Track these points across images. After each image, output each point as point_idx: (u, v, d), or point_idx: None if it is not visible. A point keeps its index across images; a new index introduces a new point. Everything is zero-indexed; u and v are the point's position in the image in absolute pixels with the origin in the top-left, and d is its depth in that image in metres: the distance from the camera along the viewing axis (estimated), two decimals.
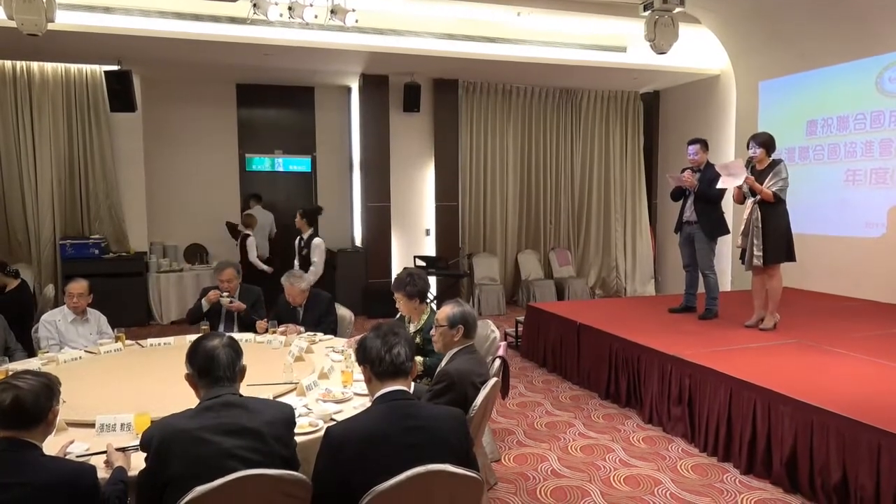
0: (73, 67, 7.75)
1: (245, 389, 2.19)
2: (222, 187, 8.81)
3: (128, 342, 4.00)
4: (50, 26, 4.94)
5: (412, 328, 3.78)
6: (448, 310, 3.04)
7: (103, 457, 2.19)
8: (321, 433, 2.08)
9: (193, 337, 3.88)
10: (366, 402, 2.49)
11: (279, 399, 2.82)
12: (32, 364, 3.42)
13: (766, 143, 5.02)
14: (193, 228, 8.70)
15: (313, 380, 3.08)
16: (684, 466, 3.81)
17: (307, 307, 4.57)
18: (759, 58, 7.96)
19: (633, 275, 9.89)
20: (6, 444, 1.86)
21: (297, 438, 2.17)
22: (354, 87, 9.01)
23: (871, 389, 3.66)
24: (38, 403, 1.91)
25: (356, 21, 6.31)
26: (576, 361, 5.51)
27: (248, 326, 4.45)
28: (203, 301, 4.55)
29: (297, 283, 4.50)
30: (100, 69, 7.65)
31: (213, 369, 2.05)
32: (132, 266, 7.82)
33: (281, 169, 9.29)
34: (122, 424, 2.48)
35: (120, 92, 7.37)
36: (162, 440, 1.89)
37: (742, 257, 5.16)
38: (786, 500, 3.36)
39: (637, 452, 4.02)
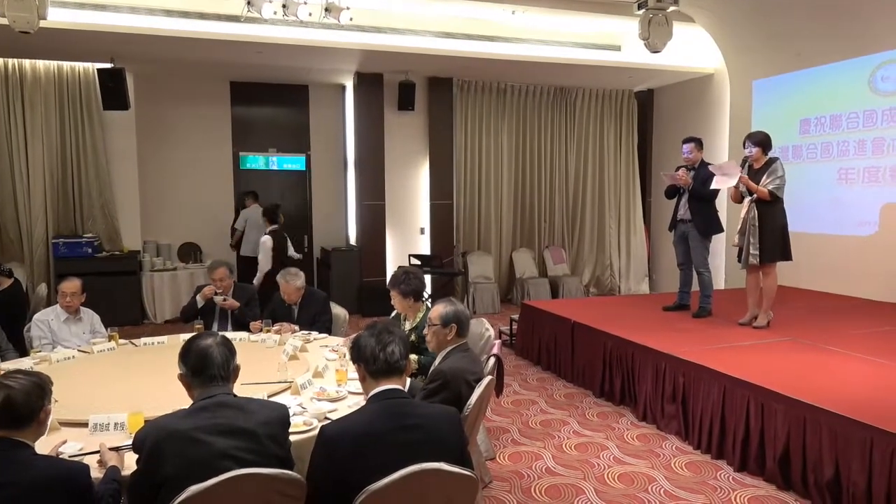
0: (66, 65, 7.70)
1: (239, 388, 2.18)
2: (216, 185, 8.79)
3: (121, 341, 3.98)
4: (42, 23, 4.91)
5: (407, 326, 3.78)
6: (441, 308, 3.04)
7: (97, 456, 2.18)
8: (316, 432, 2.07)
9: (187, 336, 3.89)
10: (360, 401, 2.48)
11: (274, 398, 2.84)
12: (25, 363, 3.40)
13: (762, 141, 5.04)
14: (187, 227, 8.67)
15: (308, 378, 3.08)
16: (678, 464, 3.82)
17: (302, 305, 4.56)
18: (753, 57, 7.98)
19: (627, 273, 9.92)
20: None
21: (292, 437, 2.16)
22: (349, 85, 8.99)
23: (863, 387, 3.68)
24: (29, 403, 1.90)
25: (350, 19, 6.29)
26: (570, 359, 5.52)
27: (242, 325, 4.44)
28: (198, 297, 4.54)
29: (293, 281, 4.49)
30: (93, 67, 7.61)
31: (206, 368, 2.04)
32: (125, 265, 7.79)
33: (275, 167, 9.26)
34: (115, 424, 2.47)
35: (113, 90, 7.34)
36: (155, 441, 1.87)
37: (739, 256, 5.18)
38: (779, 497, 3.38)
39: (631, 450, 4.04)
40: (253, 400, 2.15)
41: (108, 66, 7.32)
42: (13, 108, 7.51)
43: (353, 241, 9.15)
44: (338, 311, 4.79)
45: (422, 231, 9.12)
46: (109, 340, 3.95)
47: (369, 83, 8.51)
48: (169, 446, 1.86)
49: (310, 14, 6.13)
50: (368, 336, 2.15)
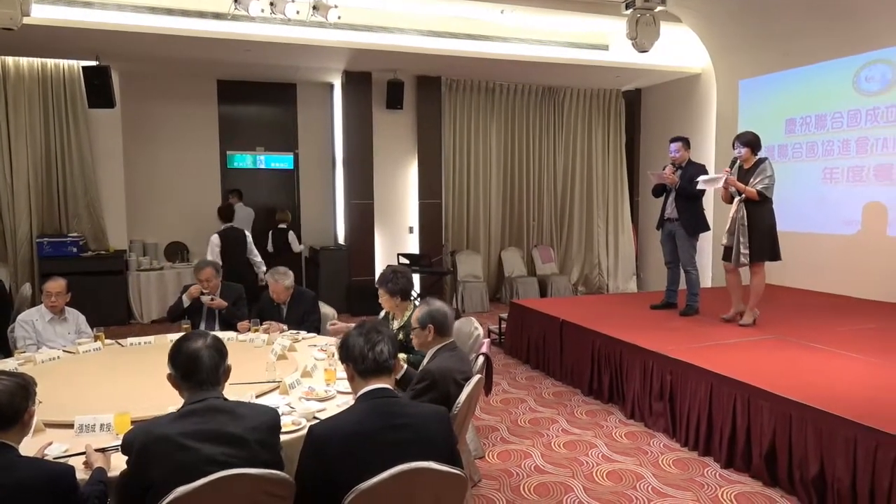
0: (50, 62, 7.62)
1: (227, 388, 2.16)
2: (203, 184, 8.72)
3: (107, 341, 3.94)
4: (26, 20, 4.86)
5: (395, 325, 3.78)
6: (417, 311, 3.06)
7: (83, 458, 2.16)
8: (304, 431, 2.06)
9: (174, 336, 3.84)
10: (349, 400, 2.48)
11: (262, 397, 2.83)
12: (9, 364, 3.36)
13: (751, 142, 5.08)
14: (174, 226, 8.61)
15: (296, 378, 3.07)
16: (666, 461, 3.85)
17: (291, 305, 4.54)
18: (739, 57, 8.05)
19: (615, 272, 9.96)
20: None
21: (281, 437, 2.15)
22: (337, 83, 8.96)
23: (848, 384, 3.72)
24: (13, 404, 1.88)
25: (338, 17, 6.28)
26: (559, 358, 5.54)
27: (230, 324, 4.42)
28: (184, 296, 4.51)
29: (282, 280, 4.47)
30: (77, 64, 7.53)
31: (195, 372, 2.00)
32: (111, 264, 7.72)
33: (263, 166, 9.21)
34: (101, 425, 2.44)
35: (98, 87, 7.27)
36: (143, 445, 1.86)
37: (727, 256, 5.20)
38: (765, 494, 3.41)
39: (619, 448, 4.06)
40: (243, 404, 2.12)
41: (93, 63, 7.25)
42: None
43: (341, 240, 9.13)
44: (326, 310, 4.78)
45: (410, 230, 9.11)
46: (95, 341, 3.91)
47: (357, 82, 8.48)
48: (156, 451, 1.84)
49: (297, 12, 6.11)
50: (357, 335, 2.14)
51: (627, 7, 6.07)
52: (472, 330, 3.91)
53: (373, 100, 8.58)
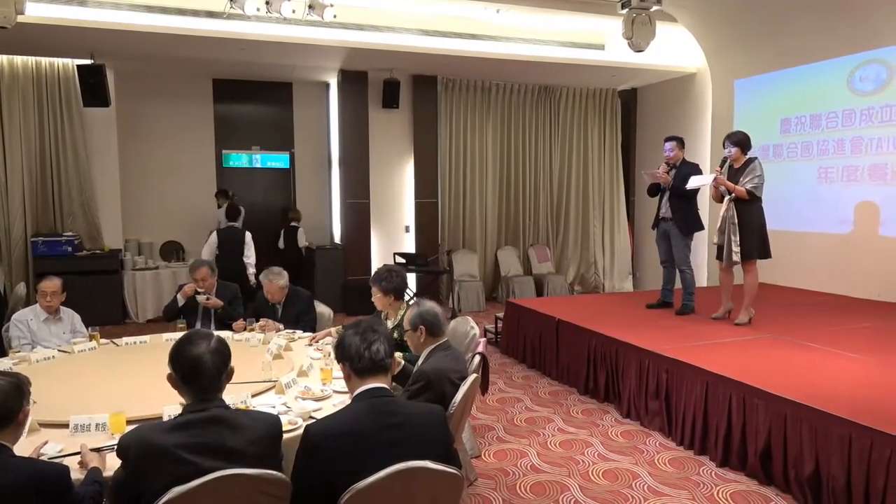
0: (45, 61, 7.59)
1: (225, 388, 2.15)
2: (199, 184, 8.70)
3: (102, 341, 3.94)
4: (20, 18, 4.83)
5: (389, 324, 3.77)
6: (407, 313, 3.06)
7: (78, 458, 2.15)
8: (300, 431, 2.06)
9: (169, 336, 3.86)
10: (345, 400, 2.48)
11: (258, 397, 2.82)
12: (4, 364, 3.35)
13: (741, 141, 5.12)
14: (169, 225, 8.59)
15: (292, 377, 3.06)
16: (661, 460, 3.86)
17: (286, 304, 4.54)
18: (735, 56, 8.07)
19: (611, 271, 9.98)
20: None
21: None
22: (333, 82, 8.95)
23: (842, 383, 3.74)
24: (6, 403, 1.87)
25: (334, 16, 6.27)
26: (555, 357, 5.54)
27: (225, 324, 4.40)
28: (178, 295, 4.50)
29: (276, 280, 4.45)
30: (72, 63, 7.50)
31: (197, 379, 1.94)
32: (107, 263, 7.69)
33: (259, 165, 9.20)
34: (96, 424, 2.44)
35: (93, 86, 7.24)
36: (139, 455, 1.82)
37: (719, 254, 5.25)
38: (760, 492, 3.42)
39: (615, 447, 4.06)
40: (243, 413, 2.06)
41: (88, 62, 7.22)
42: None
43: (337, 239, 9.12)
44: (322, 309, 4.78)
45: (407, 229, 9.10)
46: (90, 340, 3.90)
47: (353, 81, 8.48)
48: (152, 464, 1.80)
49: (293, 11, 6.10)
50: (353, 334, 2.13)
51: (623, 6, 6.07)
52: (469, 329, 3.91)
53: (369, 99, 8.57)
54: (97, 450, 2.17)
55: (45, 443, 2.27)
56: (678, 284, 5.87)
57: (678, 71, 8.88)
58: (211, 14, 6.66)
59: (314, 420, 2.33)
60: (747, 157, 5.12)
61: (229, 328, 4.28)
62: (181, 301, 4.47)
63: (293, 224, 8.52)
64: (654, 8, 6.07)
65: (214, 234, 6.66)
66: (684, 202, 5.61)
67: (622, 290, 9.67)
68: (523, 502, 3.37)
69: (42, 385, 2.76)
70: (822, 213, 7.08)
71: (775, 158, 7.58)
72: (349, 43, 7.27)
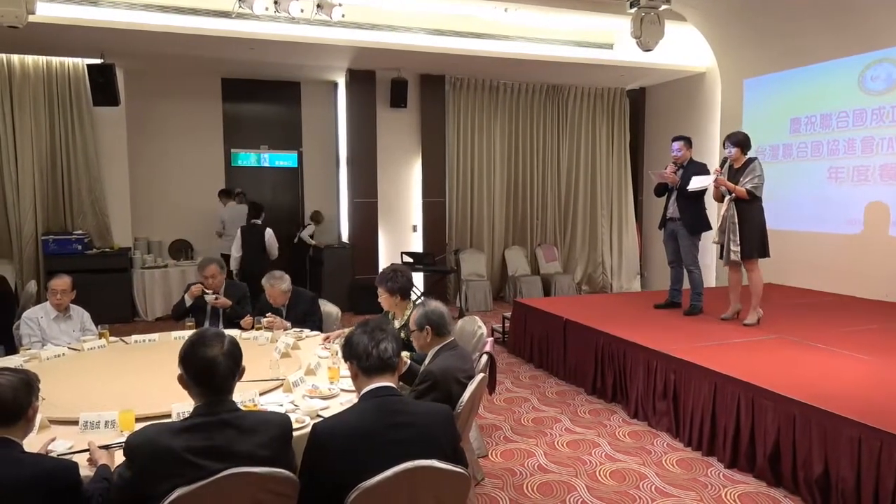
0: (55, 60, 7.64)
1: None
2: (207, 182, 8.73)
3: (112, 339, 3.96)
4: (31, 18, 4.86)
5: (396, 324, 3.77)
6: (413, 313, 3.07)
7: (87, 454, 2.16)
8: (308, 429, 2.06)
9: (179, 334, 3.88)
10: (353, 399, 2.48)
11: (265, 395, 2.83)
12: (14, 361, 3.37)
13: (741, 142, 5.16)
14: (178, 224, 8.63)
15: (300, 376, 3.07)
16: (669, 461, 3.84)
17: (290, 307, 4.47)
18: (744, 55, 8.02)
19: (619, 271, 9.95)
20: None
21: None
22: (341, 82, 8.96)
23: (851, 384, 3.71)
24: (17, 399, 1.88)
25: (342, 16, 6.29)
26: (562, 357, 5.53)
27: (234, 323, 4.41)
28: (186, 296, 4.51)
29: (278, 285, 4.38)
30: (82, 62, 7.55)
31: (210, 382, 1.92)
32: (116, 262, 7.74)
33: (267, 164, 9.23)
34: (106, 422, 2.45)
35: (103, 85, 7.28)
36: (146, 456, 1.81)
37: (720, 253, 5.28)
38: (769, 494, 3.40)
39: (623, 447, 4.05)
40: (253, 415, 2.04)
41: (97, 61, 7.27)
42: (2, 105, 7.45)
43: (345, 238, 9.14)
44: (330, 308, 4.77)
45: (414, 229, 9.11)
46: (100, 338, 3.92)
47: (361, 80, 8.49)
48: (162, 467, 1.79)
49: (301, 10, 6.12)
50: (361, 333, 2.14)
51: (632, 6, 6.05)
52: (476, 329, 3.91)
53: (377, 98, 8.58)
54: (106, 447, 2.18)
55: (54, 439, 2.28)
56: (686, 285, 5.84)
57: (687, 70, 8.84)
58: (220, 14, 6.69)
59: (321, 418, 2.34)
60: (747, 157, 5.15)
61: (238, 327, 4.29)
62: (189, 302, 4.48)
63: (309, 223, 8.87)
64: (663, 7, 6.05)
65: (239, 231, 7.11)
66: (692, 202, 5.59)
67: (630, 290, 9.64)
68: (530, 502, 3.36)
69: (52, 382, 2.78)
70: (832, 214, 7.03)
71: (785, 158, 7.54)
72: (357, 42, 7.28)
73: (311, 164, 9.35)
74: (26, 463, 1.85)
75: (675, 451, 3.98)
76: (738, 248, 5.05)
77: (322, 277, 8.45)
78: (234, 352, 2.00)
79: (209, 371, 1.92)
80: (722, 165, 5.25)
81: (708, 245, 5.56)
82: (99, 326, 4.10)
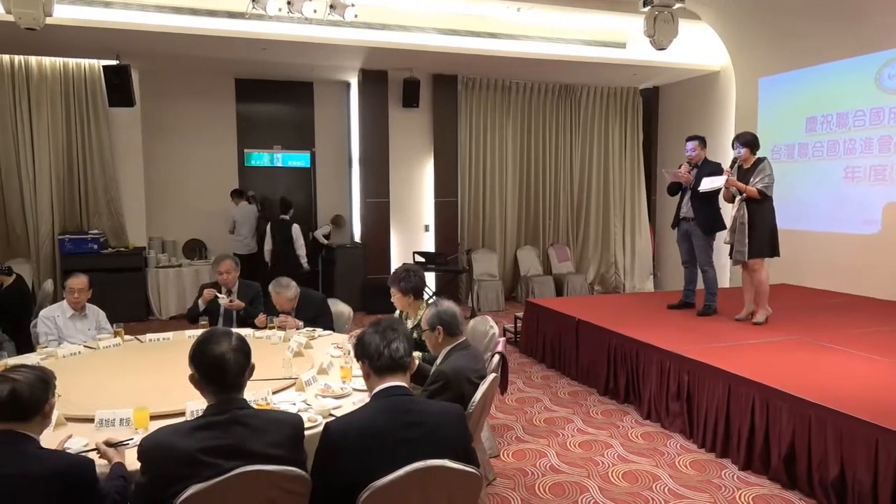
0: (72, 62, 7.73)
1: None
2: (221, 182, 8.78)
3: (127, 337, 4.00)
4: (48, 20, 4.91)
5: (409, 324, 3.78)
6: (426, 313, 3.06)
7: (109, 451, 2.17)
8: (320, 429, 2.07)
9: (193, 332, 3.90)
10: (365, 398, 2.49)
11: (278, 394, 2.84)
12: (31, 359, 3.41)
13: (750, 142, 5.15)
14: (192, 224, 8.69)
15: (312, 375, 3.08)
16: (682, 462, 3.82)
17: (298, 309, 4.44)
18: (759, 54, 7.95)
19: (631, 271, 9.90)
20: (3, 437, 1.86)
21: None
22: (353, 82, 8.99)
23: (867, 385, 3.67)
24: (34, 395, 1.91)
25: (355, 16, 6.30)
26: (574, 357, 5.52)
27: (247, 322, 4.43)
28: (199, 301, 4.54)
29: (284, 293, 4.35)
30: (98, 64, 7.63)
31: (220, 379, 1.93)
32: (131, 261, 7.82)
33: (280, 164, 9.27)
34: (120, 419, 2.48)
35: (118, 86, 7.35)
36: (161, 460, 1.82)
37: (731, 253, 5.26)
38: (784, 496, 3.37)
39: (635, 448, 4.03)
40: (264, 415, 2.05)
41: (113, 62, 7.34)
42: (19, 105, 7.54)
43: (357, 238, 9.16)
44: (342, 307, 4.78)
45: (426, 228, 9.12)
46: (115, 336, 3.96)
47: (374, 80, 8.51)
48: (177, 470, 1.80)
49: (314, 11, 6.14)
50: (373, 333, 2.14)
51: (645, 4, 6.01)
52: (488, 329, 3.91)
53: (389, 98, 8.60)
54: (113, 445, 2.18)
55: (70, 436, 2.31)
56: (700, 285, 5.81)
57: (701, 69, 8.78)
58: (233, 14, 6.74)
59: (334, 417, 2.35)
60: (756, 157, 5.13)
61: (251, 326, 4.30)
62: (202, 306, 4.50)
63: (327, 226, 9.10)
64: (677, 5, 6.00)
65: (269, 225, 7.77)
66: (706, 202, 5.55)
67: (643, 291, 9.59)
68: (542, 503, 3.36)
69: (68, 380, 2.81)
70: (849, 214, 6.95)
71: (800, 158, 7.46)
72: (370, 42, 7.30)
73: (323, 164, 9.38)
74: (44, 458, 1.87)
75: (689, 453, 3.95)
76: (746, 249, 5.03)
77: (334, 277, 8.48)
78: (244, 348, 2.02)
79: (219, 368, 1.93)
80: (732, 166, 5.23)
81: (722, 245, 5.53)
82: (114, 325, 4.14)
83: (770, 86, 7.93)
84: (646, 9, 6.03)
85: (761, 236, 5.04)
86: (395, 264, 8.48)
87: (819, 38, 7.10)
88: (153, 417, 2.46)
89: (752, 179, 5.01)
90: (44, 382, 1.97)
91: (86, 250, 7.54)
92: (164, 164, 8.56)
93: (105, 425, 2.46)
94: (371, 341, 2.12)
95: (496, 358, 3.22)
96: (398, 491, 1.84)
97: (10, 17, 4.84)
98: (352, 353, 2.68)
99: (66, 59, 7.69)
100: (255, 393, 2.58)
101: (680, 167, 5.68)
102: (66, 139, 7.76)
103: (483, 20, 7.83)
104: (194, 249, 8.67)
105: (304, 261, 7.71)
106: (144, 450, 1.85)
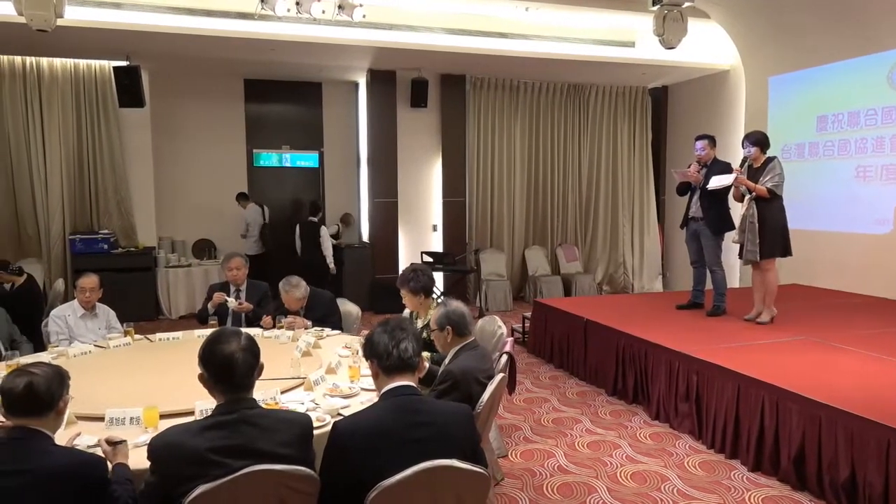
0: (82, 63, 7.78)
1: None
2: (230, 182, 8.83)
3: (136, 337, 4.03)
4: (59, 22, 4.95)
5: (420, 324, 3.78)
6: (434, 313, 3.07)
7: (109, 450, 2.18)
8: (328, 428, 2.07)
9: (202, 332, 3.92)
10: (373, 398, 2.49)
11: (286, 393, 2.85)
12: (43, 358, 3.44)
13: (760, 141, 5.12)
14: (201, 223, 8.74)
15: (321, 375, 3.09)
16: (691, 463, 3.80)
17: (307, 309, 4.45)
18: (769, 53, 7.90)
19: (640, 271, 9.86)
20: (18, 433, 1.88)
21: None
22: (362, 82, 9.01)
23: (878, 386, 3.64)
24: (50, 390, 1.93)
25: (363, 16, 6.30)
26: (583, 357, 5.50)
27: (255, 323, 4.44)
28: (209, 305, 4.56)
29: (293, 292, 4.35)
30: (108, 64, 7.67)
31: (229, 378, 1.94)
32: (141, 261, 7.87)
33: (288, 164, 9.30)
34: (131, 418, 2.49)
35: (128, 87, 7.40)
36: (171, 460, 1.83)
37: (740, 253, 5.23)
38: (793, 498, 3.35)
39: (644, 449, 4.02)
40: (274, 414, 2.06)
41: (123, 63, 7.38)
42: (31, 106, 7.61)
43: (365, 238, 9.17)
44: (350, 307, 4.78)
45: (434, 228, 9.12)
46: (125, 336, 3.99)
47: (382, 80, 8.52)
48: (187, 470, 1.81)
49: (323, 11, 6.15)
50: (381, 332, 2.14)
51: (654, 3, 5.98)
52: (496, 329, 3.90)
53: (397, 98, 8.61)
54: (113, 444, 2.17)
55: (79, 434, 2.32)
56: (709, 285, 5.78)
57: (710, 68, 8.73)
58: (242, 15, 6.77)
59: (342, 417, 2.35)
60: (766, 156, 5.10)
61: (260, 327, 4.31)
62: (211, 310, 4.51)
63: (338, 224, 9.07)
64: (686, 4, 5.97)
65: (297, 227, 7.95)
66: (715, 202, 5.52)
67: (651, 291, 9.55)
68: (550, 503, 3.35)
69: (79, 379, 2.81)
70: (860, 213, 6.89)
71: (811, 157, 7.41)
72: (378, 43, 7.31)
73: (331, 164, 9.40)
74: (56, 455, 1.89)
75: (698, 454, 3.94)
76: (757, 249, 5.00)
77: (343, 276, 8.50)
78: (252, 347, 2.03)
79: (228, 367, 1.94)
80: (741, 165, 5.20)
81: (731, 245, 5.50)
82: (124, 324, 4.17)
83: (780, 85, 7.88)
84: (655, 8, 6.00)
85: (773, 236, 5.01)
86: (403, 264, 8.49)
87: (829, 37, 7.05)
88: (163, 416, 2.48)
89: (762, 178, 4.98)
90: (60, 378, 1.99)
91: (96, 250, 7.59)
92: (174, 165, 8.61)
93: (115, 424, 2.48)
94: (380, 341, 2.12)
95: (504, 358, 3.21)
96: (406, 491, 1.84)
97: (22, 19, 4.88)
98: (360, 353, 2.69)
99: (76, 61, 7.75)
100: (264, 392, 2.59)
101: (689, 167, 5.65)
102: (76, 140, 7.82)
103: (491, 20, 7.82)
104: (204, 249, 8.72)
105: (330, 263, 7.77)
106: (154, 449, 1.86)
